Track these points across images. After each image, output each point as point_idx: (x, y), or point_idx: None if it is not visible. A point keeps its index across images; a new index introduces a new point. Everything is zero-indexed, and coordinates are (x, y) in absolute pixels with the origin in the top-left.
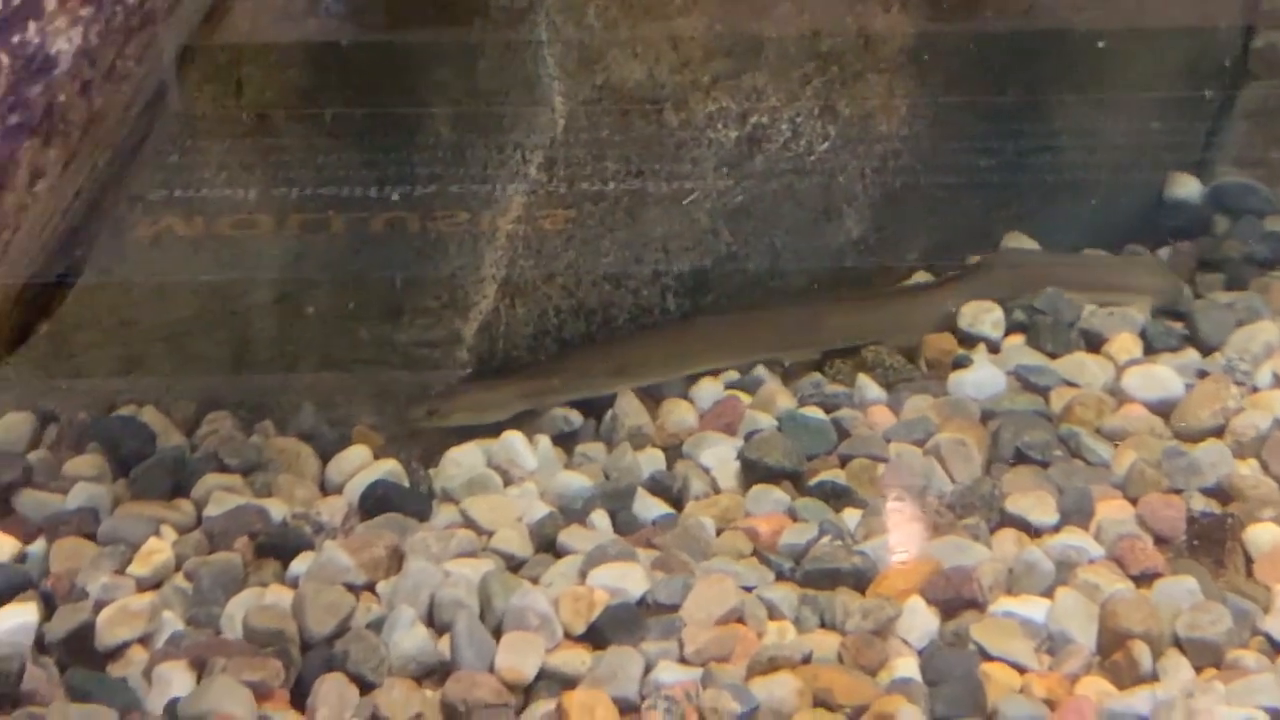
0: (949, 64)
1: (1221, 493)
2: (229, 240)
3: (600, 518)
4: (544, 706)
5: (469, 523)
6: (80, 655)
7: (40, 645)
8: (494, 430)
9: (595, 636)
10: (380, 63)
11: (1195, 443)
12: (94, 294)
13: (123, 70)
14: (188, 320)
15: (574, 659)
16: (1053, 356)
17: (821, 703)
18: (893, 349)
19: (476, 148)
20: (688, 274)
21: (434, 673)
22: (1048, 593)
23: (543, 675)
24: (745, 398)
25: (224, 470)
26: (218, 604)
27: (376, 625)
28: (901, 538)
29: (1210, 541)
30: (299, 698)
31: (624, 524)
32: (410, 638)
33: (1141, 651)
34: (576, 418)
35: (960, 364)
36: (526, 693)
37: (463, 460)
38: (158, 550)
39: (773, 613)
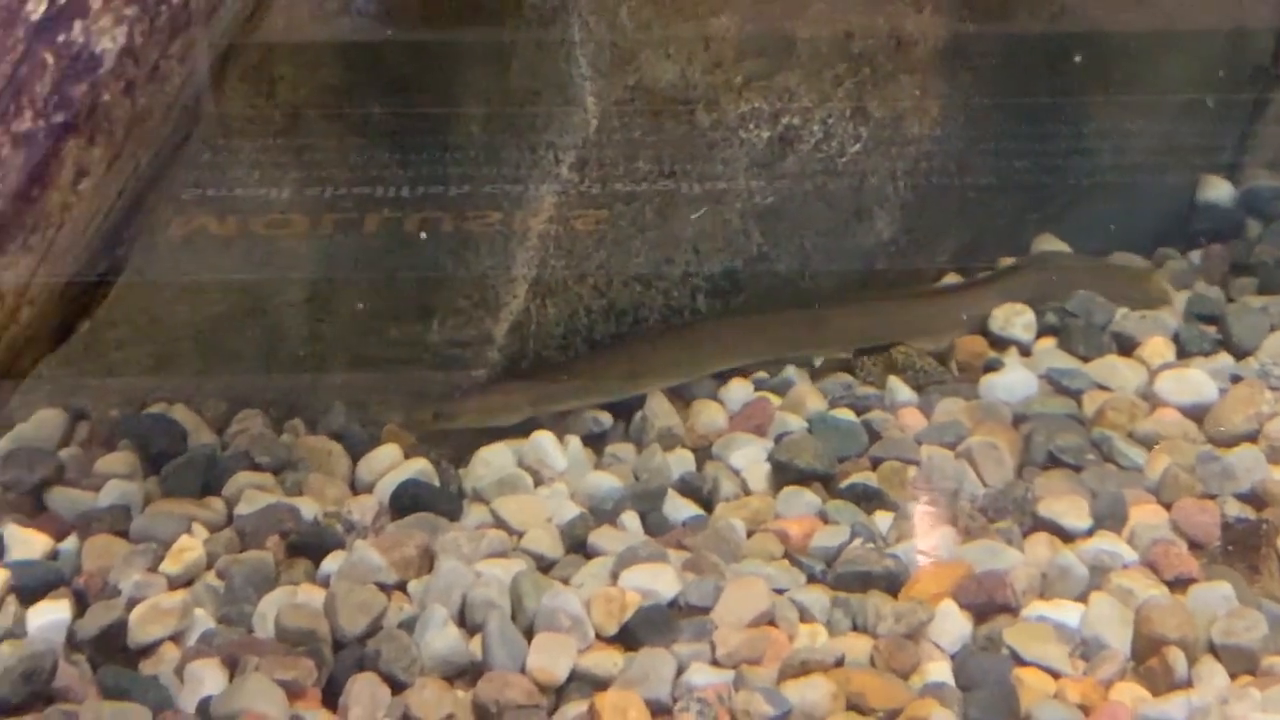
0: (981, 65)
1: (1256, 498)
2: (260, 239)
3: (630, 519)
4: (576, 708)
5: (499, 523)
6: (112, 653)
7: (72, 642)
8: (523, 430)
9: (627, 638)
10: (413, 62)
11: (1229, 448)
12: (126, 292)
13: (166, 70)
14: (219, 318)
15: (606, 660)
16: (1085, 360)
17: (854, 706)
18: (922, 351)
19: (509, 148)
20: (719, 274)
21: (465, 673)
22: (1081, 598)
23: (574, 676)
24: (775, 399)
25: (255, 469)
26: (249, 602)
27: (408, 625)
28: (933, 541)
29: (1245, 547)
30: (331, 697)
31: (654, 525)
32: (442, 638)
33: (1176, 657)
34: (606, 418)
35: (992, 367)
36: (558, 694)
37: (492, 460)
38: (189, 548)
39: (804, 615)
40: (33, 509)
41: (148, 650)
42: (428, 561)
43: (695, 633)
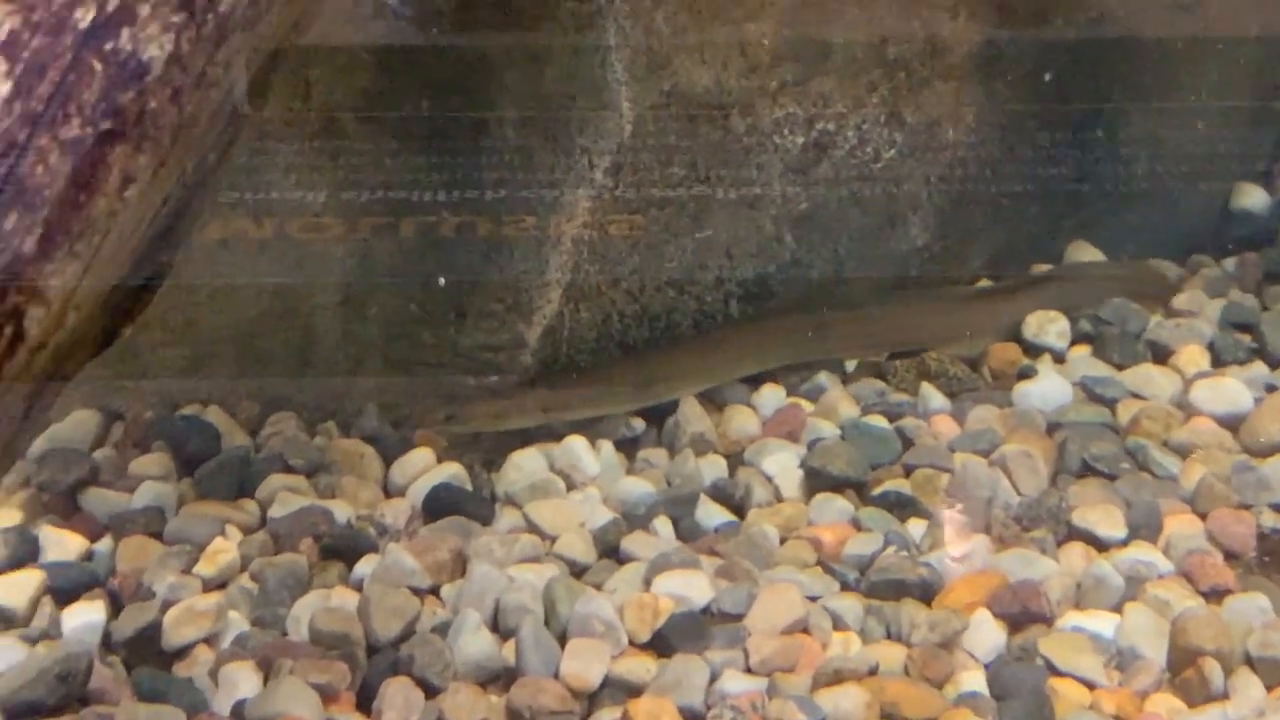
0: (1015, 72)
1: None
2: (295, 242)
3: (663, 524)
4: (609, 714)
5: (532, 527)
6: (147, 655)
7: (107, 644)
8: (554, 435)
9: (660, 644)
10: (448, 66)
11: (1265, 458)
12: (162, 294)
13: (212, 77)
14: (253, 321)
15: (639, 667)
16: (1119, 368)
17: (888, 716)
18: (955, 358)
19: (543, 152)
20: (752, 280)
21: (499, 678)
22: (1116, 608)
23: (608, 683)
24: (807, 405)
25: (288, 471)
26: (283, 605)
27: (442, 629)
28: (967, 550)
29: None
30: (365, 701)
31: (686, 531)
32: (475, 642)
33: (1213, 669)
34: (639, 423)
35: (1025, 374)
36: (591, 700)
37: (524, 465)
38: (223, 550)
39: (838, 623)
40: (67, 510)
41: (182, 652)
42: (460, 566)
43: (728, 640)
